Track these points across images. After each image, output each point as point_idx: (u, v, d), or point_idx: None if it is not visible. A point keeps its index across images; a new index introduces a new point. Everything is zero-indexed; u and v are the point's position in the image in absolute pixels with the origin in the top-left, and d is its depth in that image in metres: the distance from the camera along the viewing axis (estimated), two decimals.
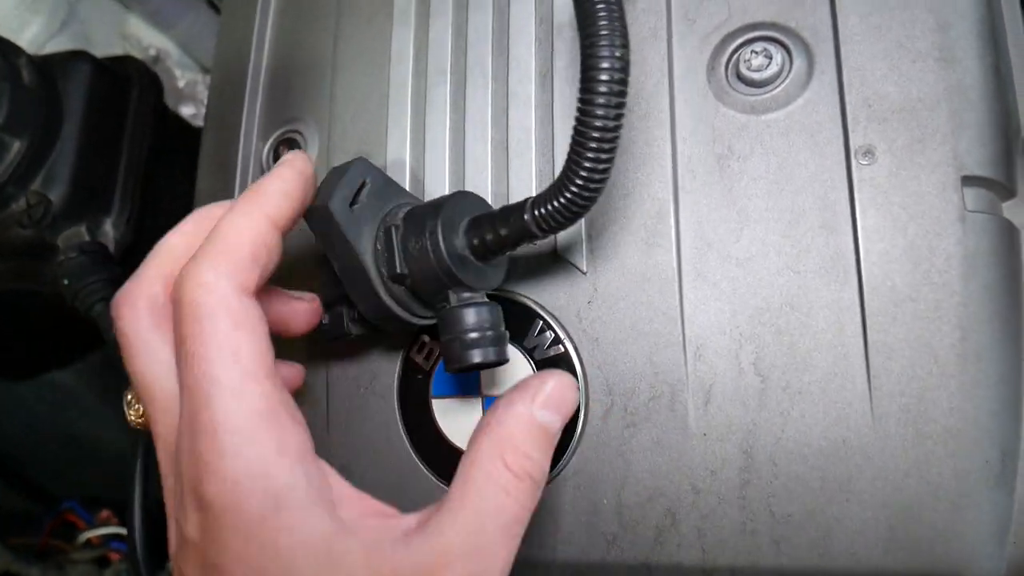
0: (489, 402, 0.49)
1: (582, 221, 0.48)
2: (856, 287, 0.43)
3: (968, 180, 0.43)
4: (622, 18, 0.35)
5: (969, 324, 0.42)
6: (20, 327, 0.90)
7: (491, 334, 0.42)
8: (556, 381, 0.39)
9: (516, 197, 0.49)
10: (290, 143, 0.59)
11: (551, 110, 0.50)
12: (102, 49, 0.90)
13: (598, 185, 0.37)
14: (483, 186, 0.50)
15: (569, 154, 0.37)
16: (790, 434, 0.43)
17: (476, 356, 0.41)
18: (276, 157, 0.59)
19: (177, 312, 0.35)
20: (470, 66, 0.52)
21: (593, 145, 0.35)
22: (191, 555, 0.35)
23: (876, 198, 0.43)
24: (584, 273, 0.48)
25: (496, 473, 0.36)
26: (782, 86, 0.46)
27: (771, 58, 0.46)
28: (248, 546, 0.33)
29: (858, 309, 0.43)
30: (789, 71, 0.46)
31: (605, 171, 0.37)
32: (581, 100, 0.35)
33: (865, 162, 0.44)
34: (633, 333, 0.46)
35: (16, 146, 0.65)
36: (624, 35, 0.35)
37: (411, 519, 0.36)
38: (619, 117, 0.35)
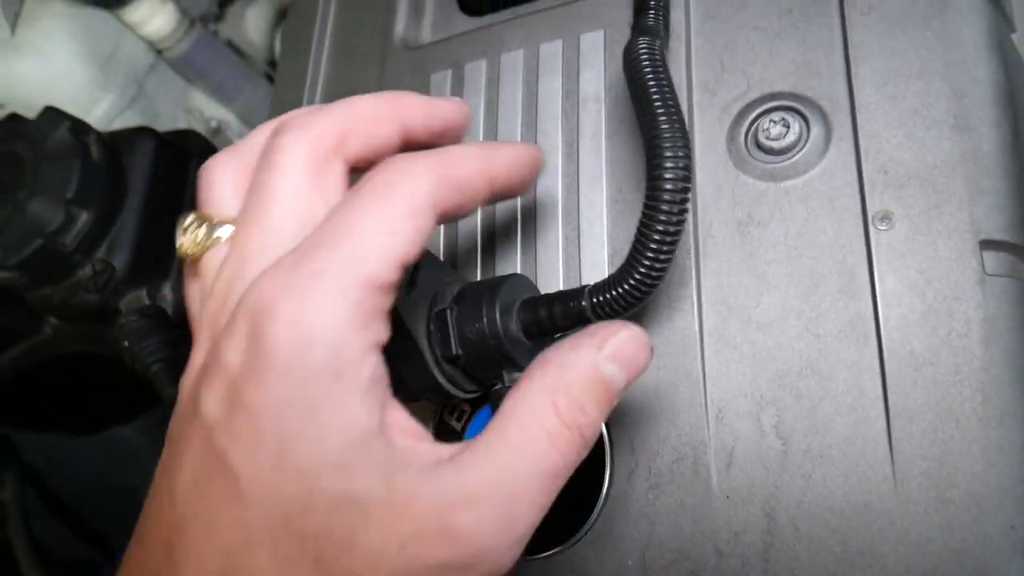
0: None
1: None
2: (876, 351, 0.44)
3: (987, 244, 0.43)
4: (682, 120, 0.38)
5: (990, 388, 0.42)
6: (85, 386, 0.95)
7: None
8: (629, 333, 0.36)
9: (544, 262, 0.51)
10: None
11: (576, 179, 0.52)
12: (167, 121, 0.95)
13: (657, 278, 0.39)
14: (513, 253, 0.52)
15: (632, 249, 0.39)
16: (812, 498, 0.44)
17: None
18: None
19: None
20: (500, 137, 0.55)
21: (654, 245, 0.38)
22: (220, 382, 0.32)
23: (894, 263, 0.44)
24: None
25: (544, 416, 0.33)
26: (800, 154, 0.48)
27: (789, 127, 0.48)
28: (290, 400, 0.30)
29: (878, 373, 0.43)
30: (807, 139, 0.48)
31: (664, 267, 0.39)
32: (648, 199, 0.38)
33: (883, 227, 0.45)
34: (656, 395, 0.47)
35: (84, 217, 0.70)
36: (686, 139, 0.38)
37: (444, 449, 0.33)
38: (681, 219, 0.38)
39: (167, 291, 0.77)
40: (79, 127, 0.71)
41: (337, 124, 0.36)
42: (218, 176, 0.38)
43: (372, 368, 0.32)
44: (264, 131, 0.39)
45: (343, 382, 0.31)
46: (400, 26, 0.63)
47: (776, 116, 0.48)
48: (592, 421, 0.34)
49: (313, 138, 0.36)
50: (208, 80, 0.95)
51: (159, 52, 0.93)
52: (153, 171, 0.75)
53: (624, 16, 0.53)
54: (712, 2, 0.52)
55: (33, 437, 1.05)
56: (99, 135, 0.73)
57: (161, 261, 0.76)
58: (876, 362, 0.44)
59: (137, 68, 0.91)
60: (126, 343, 0.73)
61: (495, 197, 0.39)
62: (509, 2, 0.59)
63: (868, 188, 0.45)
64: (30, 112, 0.72)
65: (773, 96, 0.49)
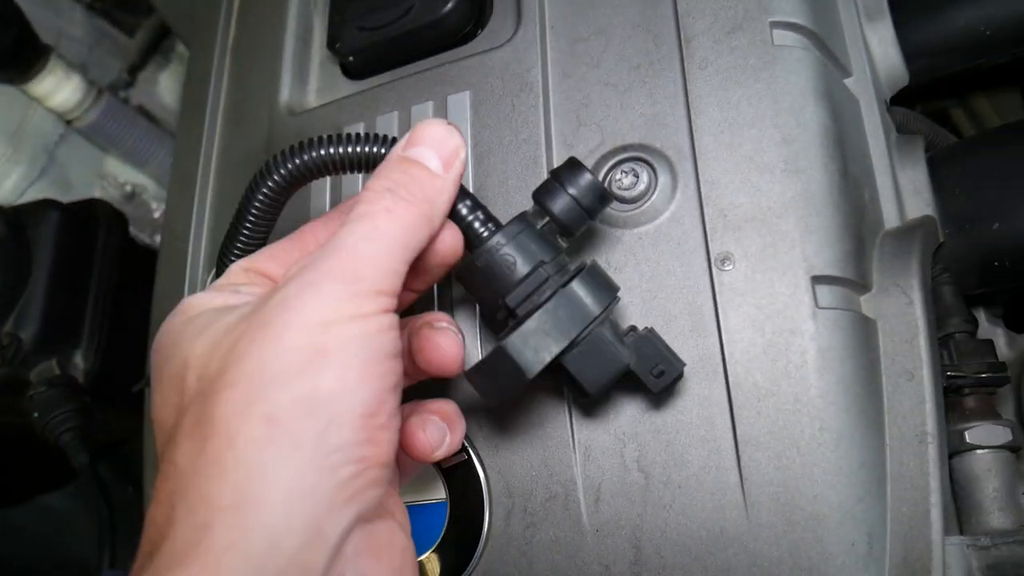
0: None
1: (479, 342, 0.52)
2: (724, 384, 0.46)
3: (819, 279, 0.46)
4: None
5: (827, 414, 0.44)
6: (5, 456, 0.95)
7: None
8: (423, 123, 0.42)
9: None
10: None
11: None
12: (81, 189, 0.97)
13: None
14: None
15: None
16: (673, 526, 0.46)
17: None
18: None
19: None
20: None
21: None
22: (182, 448, 0.35)
23: (735, 300, 0.47)
24: None
25: (367, 199, 0.39)
26: (650, 201, 0.51)
27: (639, 177, 0.51)
28: None
29: (726, 405, 0.46)
30: (655, 187, 0.51)
31: None
32: None
33: (725, 268, 0.48)
34: (528, 439, 0.50)
35: None
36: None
37: None
38: None
39: (78, 359, 0.78)
40: None
41: None
42: None
43: None
44: None
45: None
46: (285, 92, 0.65)
47: (627, 167, 0.51)
48: (406, 183, 0.39)
49: None
50: (120, 146, 0.97)
51: (68, 122, 0.94)
52: (58, 242, 0.76)
53: (486, 78, 0.56)
54: (568, 61, 0.55)
55: None
56: (2, 209, 0.74)
57: (71, 330, 0.78)
58: (724, 395, 0.46)
59: (47, 139, 0.93)
60: (36, 414, 0.74)
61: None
62: (386, 65, 0.62)
63: (710, 231, 0.48)
64: None
65: (624, 148, 0.52)
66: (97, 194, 0.97)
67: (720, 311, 0.47)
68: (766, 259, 0.47)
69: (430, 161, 0.41)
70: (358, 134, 0.43)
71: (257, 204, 0.44)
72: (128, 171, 1.00)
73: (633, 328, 0.44)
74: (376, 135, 0.43)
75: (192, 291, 0.66)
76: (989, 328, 0.59)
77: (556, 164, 0.53)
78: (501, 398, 0.43)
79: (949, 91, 0.77)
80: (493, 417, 0.51)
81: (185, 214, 0.67)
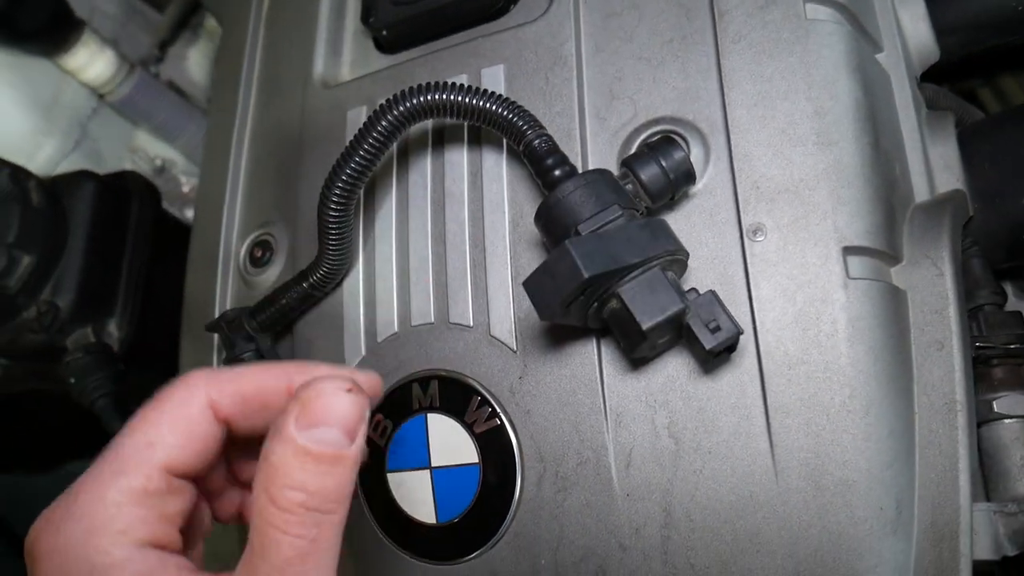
0: (438, 474, 0.53)
1: (511, 307, 0.52)
2: (755, 353, 0.47)
3: (850, 250, 0.47)
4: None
5: (857, 382, 0.45)
6: (38, 424, 0.97)
7: None
8: (315, 391, 0.34)
9: (454, 278, 0.54)
10: (264, 245, 0.65)
11: (481, 205, 0.55)
12: (112, 162, 0.98)
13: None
14: (425, 278, 0.56)
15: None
16: (703, 491, 0.47)
17: None
18: (252, 258, 0.65)
19: None
20: (410, 169, 0.58)
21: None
22: None
23: (767, 271, 0.48)
24: (515, 352, 0.52)
25: (267, 512, 0.33)
26: None
27: None
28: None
29: (757, 373, 0.47)
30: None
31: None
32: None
33: (757, 239, 0.48)
34: (560, 404, 0.51)
35: (26, 261, 0.72)
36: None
37: None
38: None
39: (112, 328, 0.80)
40: (19, 173, 0.74)
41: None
42: None
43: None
44: None
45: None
46: (319, 65, 0.66)
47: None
48: (318, 492, 0.34)
49: None
50: (151, 121, 0.98)
51: (101, 96, 0.95)
52: (94, 213, 0.77)
53: (520, 52, 0.57)
54: (601, 36, 0.56)
55: None
56: (39, 180, 0.75)
57: (105, 299, 0.79)
58: (755, 363, 0.47)
59: (80, 112, 0.94)
60: (72, 380, 0.75)
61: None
62: (419, 39, 0.63)
63: (742, 203, 0.49)
64: None
65: (657, 121, 0.53)
66: (128, 167, 0.98)
67: (752, 281, 0.48)
68: (798, 230, 0.48)
69: (330, 445, 0.34)
70: (471, 87, 0.49)
71: (372, 139, 0.49)
72: (158, 145, 1.01)
73: (694, 289, 0.45)
74: (488, 91, 0.49)
75: (227, 261, 0.67)
76: (1016, 301, 0.60)
77: (590, 137, 0.54)
78: (551, 311, 0.44)
79: (976, 71, 0.78)
80: (525, 384, 0.52)
81: (219, 184, 0.69)
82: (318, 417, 0.34)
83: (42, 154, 0.90)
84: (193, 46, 1.05)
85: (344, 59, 0.67)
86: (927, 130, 0.56)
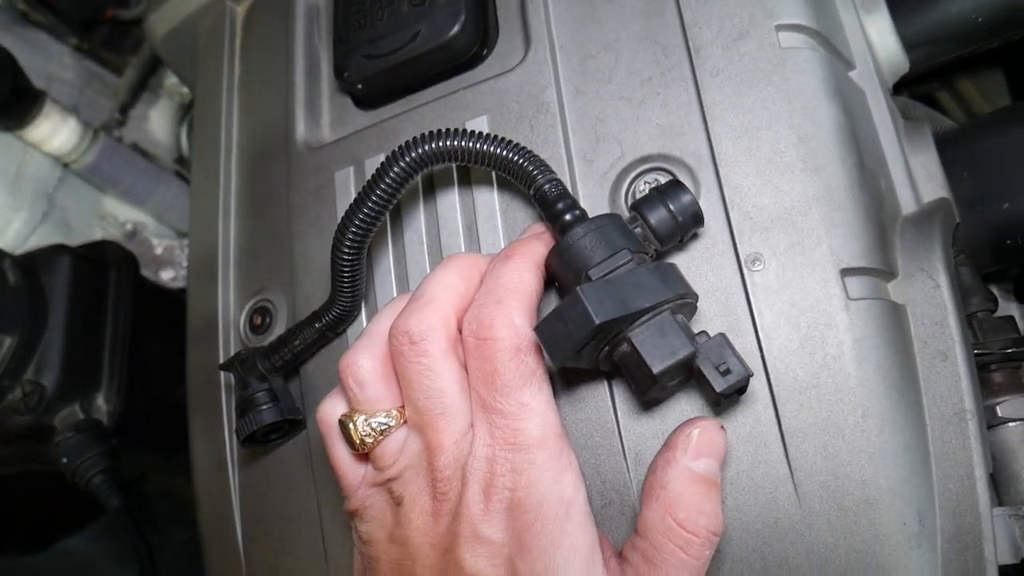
0: None
1: None
2: (765, 381, 0.48)
3: (847, 272, 0.48)
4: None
5: (868, 401, 0.46)
6: (28, 503, 0.94)
7: None
8: (700, 428, 0.43)
9: None
10: (262, 311, 0.64)
11: (479, 247, 0.55)
12: (82, 230, 0.97)
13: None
14: None
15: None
16: (728, 522, 0.47)
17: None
18: (252, 326, 0.65)
19: (484, 347, 0.43)
20: (403, 220, 0.58)
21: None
22: (487, 551, 0.42)
23: (769, 299, 0.49)
24: None
25: (672, 535, 0.41)
26: None
27: None
28: (542, 539, 0.41)
29: (770, 401, 0.48)
30: None
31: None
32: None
33: (755, 268, 0.49)
34: (578, 448, 0.51)
35: (7, 342, 0.71)
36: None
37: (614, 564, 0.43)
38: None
39: (100, 402, 0.78)
40: None
41: (454, 305, 0.46)
42: (364, 375, 0.47)
43: (583, 495, 0.43)
44: (384, 319, 0.49)
45: (572, 515, 0.42)
46: (300, 128, 0.66)
47: (649, 177, 0.53)
48: (712, 517, 0.42)
49: (443, 325, 0.45)
50: (118, 186, 0.97)
51: (66, 165, 0.94)
52: (72, 287, 0.76)
53: (502, 101, 0.57)
54: (580, 79, 0.56)
55: None
56: (14, 259, 0.74)
57: (91, 373, 0.78)
58: (767, 390, 0.48)
59: (45, 183, 0.92)
60: (64, 459, 0.74)
61: None
62: (395, 93, 0.63)
63: (737, 234, 0.50)
64: None
65: (644, 159, 0.53)
66: (98, 234, 0.97)
67: (755, 310, 0.49)
68: (795, 256, 0.49)
69: (714, 473, 0.44)
70: (482, 133, 0.50)
71: (385, 183, 0.50)
72: (127, 210, 1.00)
73: (704, 332, 0.46)
74: (498, 137, 0.50)
75: (227, 331, 0.66)
76: (1003, 304, 0.61)
77: (579, 180, 0.54)
78: (563, 354, 0.44)
79: (934, 75, 0.80)
80: None
81: (210, 255, 0.68)
82: (703, 449, 0.43)
83: (11, 229, 0.88)
84: (154, 107, 1.04)
85: (324, 120, 0.67)
86: (906, 141, 0.57)
